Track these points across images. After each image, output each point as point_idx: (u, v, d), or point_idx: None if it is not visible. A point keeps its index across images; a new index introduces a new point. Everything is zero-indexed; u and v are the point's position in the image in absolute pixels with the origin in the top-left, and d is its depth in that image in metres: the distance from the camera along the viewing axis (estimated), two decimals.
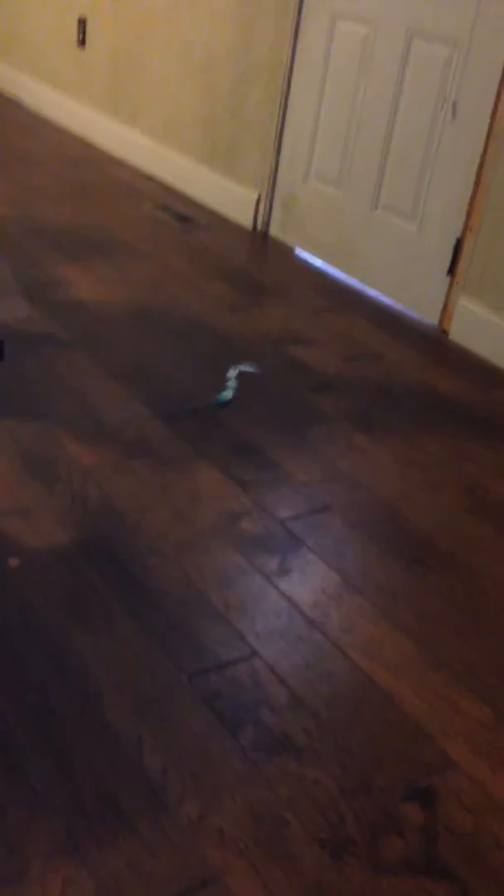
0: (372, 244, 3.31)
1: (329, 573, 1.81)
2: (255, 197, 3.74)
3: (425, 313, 3.15)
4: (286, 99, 3.53)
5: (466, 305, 2.99)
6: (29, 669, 1.47)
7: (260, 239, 3.71)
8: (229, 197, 3.86)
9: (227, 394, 2.37)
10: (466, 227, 2.96)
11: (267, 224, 3.76)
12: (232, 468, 2.10)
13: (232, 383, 2.41)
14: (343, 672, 1.57)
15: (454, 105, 2.91)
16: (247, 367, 2.50)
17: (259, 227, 3.78)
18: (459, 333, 3.02)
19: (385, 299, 3.28)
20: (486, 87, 2.81)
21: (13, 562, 1.69)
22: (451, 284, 3.05)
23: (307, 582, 1.78)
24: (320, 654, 1.60)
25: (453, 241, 3.00)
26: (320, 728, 1.45)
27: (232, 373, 2.46)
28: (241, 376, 2.48)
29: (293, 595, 1.74)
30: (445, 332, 3.07)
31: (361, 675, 1.57)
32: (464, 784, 1.40)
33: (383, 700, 1.53)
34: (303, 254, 3.61)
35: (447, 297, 3.07)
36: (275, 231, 3.73)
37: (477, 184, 2.90)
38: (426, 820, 1.33)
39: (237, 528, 1.90)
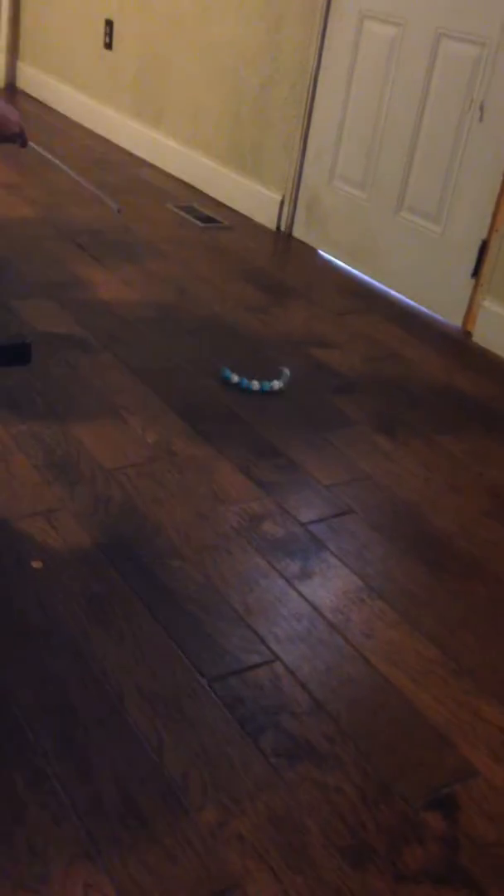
0: (396, 246, 3.30)
1: (351, 577, 1.81)
2: (279, 198, 3.74)
3: (449, 315, 3.13)
4: (312, 100, 3.52)
5: (491, 307, 2.97)
6: (51, 671, 1.47)
7: (283, 240, 3.71)
8: (253, 198, 3.86)
9: (256, 385, 2.38)
10: (492, 228, 2.94)
11: (291, 225, 3.75)
12: (254, 470, 2.10)
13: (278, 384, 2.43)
14: (364, 677, 1.57)
15: (482, 106, 2.89)
16: (283, 381, 2.49)
17: (283, 228, 3.77)
18: (483, 335, 3.00)
19: (408, 301, 3.27)
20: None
21: (36, 563, 1.70)
22: (475, 286, 3.03)
23: (329, 586, 1.77)
24: (341, 658, 1.60)
25: (478, 243, 2.98)
26: (341, 734, 1.45)
27: (277, 383, 2.46)
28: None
29: (314, 599, 1.73)
30: (469, 334, 3.06)
31: (382, 680, 1.57)
32: (486, 792, 1.39)
33: (404, 706, 1.52)
34: (326, 255, 3.60)
35: (471, 298, 3.05)
36: (298, 232, 3.73)
37: None
38: (448, 828, 1.32)
39: (259, 531, 1.89)
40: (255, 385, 2.41)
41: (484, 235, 2.96)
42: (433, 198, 3.12)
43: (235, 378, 2.40)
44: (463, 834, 1.32)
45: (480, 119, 2.90)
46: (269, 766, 1.37)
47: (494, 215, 2.92)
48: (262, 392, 2.42)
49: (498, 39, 2.82)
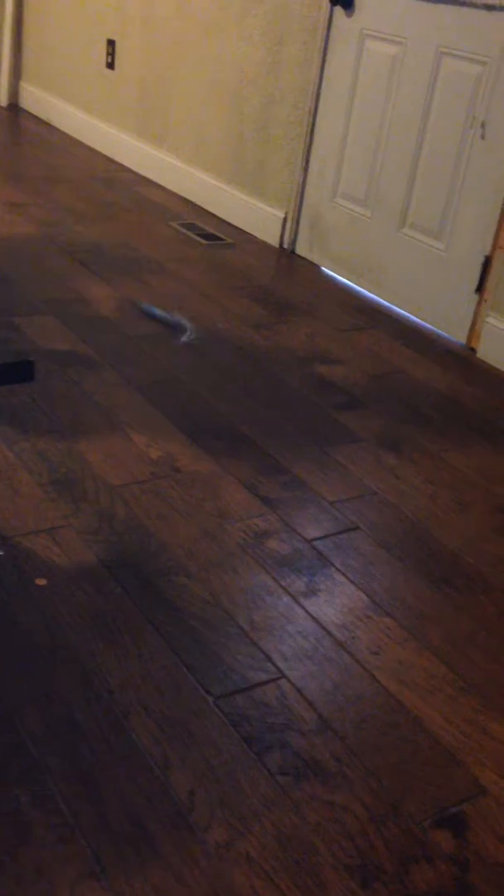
0: (399, 262, 3.30)
1: (357, 594, 1.80)
2: (281, 216, 3.75)
3: (453, 331, 3.13)
4: (314, 118, 3.54)
5: (495, 323, 2.97)
6: (56, 689, 1.46)
7: (286, 257, 3.72)
8: (256, 216, 3.87)
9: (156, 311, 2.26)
10: (495, 244, 2.94)
11: (294, 243, 3.76)
12: (259, 487, 2.09)
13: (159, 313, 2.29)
14: (371, 695, 1.55)
15: (483, 124, 2.90)
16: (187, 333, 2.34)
17: (286, 245, 3.78)
18: (488, 351, 3.00)
19: (412, 318, 3.27)
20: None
21: (40, 581, 1.69)
22: (479, 302, 3.04)
23: (335, 602, 1.76)
24: (348, 676, 1.59)
25: (482, 260, 2.99)
26: (348, 752, 1.43)
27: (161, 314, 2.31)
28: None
29: (321, 616, 1.72)
30: (473, 350, 3.06)
31: (390, 698, 1.55)
32: (495, 811, 1.38)
33: (412, 724, 1.51)
34: (329, 272, 3.61)
35: (475, 315, 3.05)
36: (301, 249, 3.74)
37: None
38: (457, 847, 1.31)
39: (264, 548, 1.89)
40: (159, 312, 2.30)
41: (487, 252, 2.97)
42: (436, 215, 3.13)
43: (158, 311, 2.27)
44: (472, 853, 1.30)
45: (482, 137, 2.91)
46: (275, 785, 1.36)
47: (497, 232, 2.93)
48: (163, 320, 2.30)
49: (499, 58, 2.83)
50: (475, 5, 2.88)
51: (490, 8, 2.83)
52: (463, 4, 2.92)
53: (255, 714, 1.47)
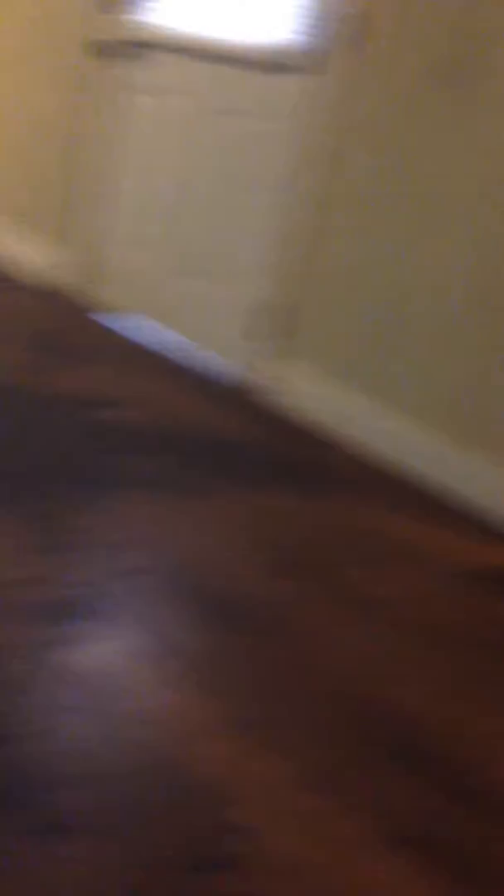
0: (178, 306, 3.33)
1: (132, 638, 1.74)
2: (63, 260, 3.70)
3: (231, 371, 3.17)
4: (95, 166, 3.54)
5: (271, 363, 3.03)
6: None
7: (66, 302, 3.66)
8: (31, 261, 3.81)
9: None
10: (273, 288, 3.02)
11: (70, 288, 3.72)
12: (30, 535, 2.00)
13: None
14: (140, 742, 1.49)
15: (249, 172, 2.99)
16: None
17: (65, 290, 3.73)
18: (264, 391, 3.05)
19: (191, 359, 3.29)
20: (281, 153, 2.90)
21: None
22: (256, 344, 3.09)
23: (100, 651, 1.70)
24: (115, 725, 1.52)
25: (259, 303, 3.05)
26: (109, 805, 1.36)
27: None
28: None
29: (85, 666, 1.65)
30: (250, 391, 3.10)
31: (158, 744, 1.50)
32: (267, 849, 1.34)
33: (180, 768, 1.46)
34: (110, 316, 3.59)
35: (252, 356, 3.11)
36: (81, 294, 3.70)
37: (283, 246, 2.96)
38: (229, 886, 1.26)
39: (29, 599, 1.80)
40: None
41: (264, 294, 3.04)
42: (213, 259, 3.18)
43: None
44: (243, 891, 1.26)
45: (252, 188, 2.99)
46: (29, 847, 1.27)
47: (274, 274, 3.00)
48: None
49: (260, 109, 2.93)
50: (241, 63, 2.97)
51: (269, 70, 2.93)
52: (226, 62, 3.01)
53: (3, 774, 1.38)
